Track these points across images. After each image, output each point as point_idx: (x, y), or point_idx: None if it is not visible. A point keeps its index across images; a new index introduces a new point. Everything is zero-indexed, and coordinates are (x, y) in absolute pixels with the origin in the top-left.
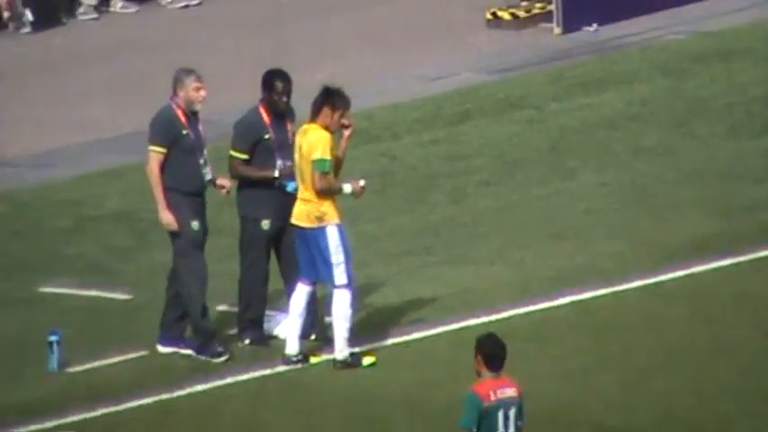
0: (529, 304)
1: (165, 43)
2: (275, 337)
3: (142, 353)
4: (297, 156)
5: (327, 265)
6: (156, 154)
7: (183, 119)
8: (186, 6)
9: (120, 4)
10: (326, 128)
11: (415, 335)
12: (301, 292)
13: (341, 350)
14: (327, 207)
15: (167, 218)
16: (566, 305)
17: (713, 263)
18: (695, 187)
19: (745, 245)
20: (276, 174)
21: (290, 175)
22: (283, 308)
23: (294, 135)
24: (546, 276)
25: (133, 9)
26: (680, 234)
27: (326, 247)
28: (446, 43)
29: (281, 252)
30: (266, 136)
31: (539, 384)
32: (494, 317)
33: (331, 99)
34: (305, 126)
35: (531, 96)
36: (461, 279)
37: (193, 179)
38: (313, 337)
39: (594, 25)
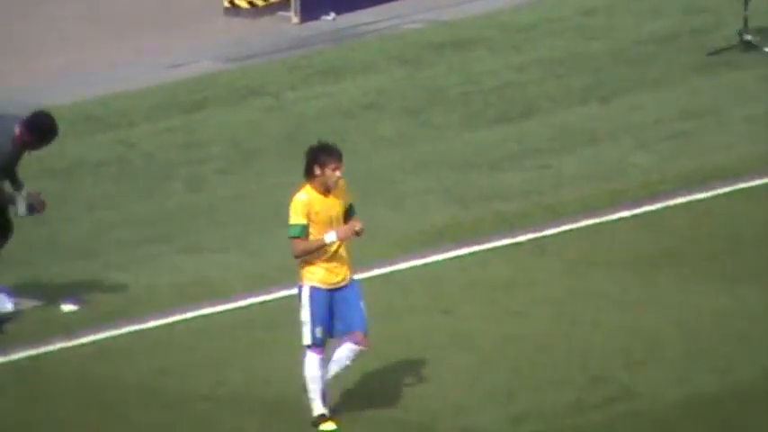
0: (266, 293)
1: None
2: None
3: None
4: None
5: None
6: None
7: None
8: None
9: None
10: (319, 188)
11: (152, 323)
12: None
13: (311, 409)
14: (305, 268)
15: None
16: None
17: (450, 252)
18: (432, 176)
19: (481, 234)
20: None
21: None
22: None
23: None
24: (283, 265)
25: None
26: (417, 223)
27: (299, 305)
28: (183, 30)
29: None
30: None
31: (276, 372)
32: (231, 305)
33: (316, 156)
34: None
35: (268, 85)
36: (199, 267)
37: None
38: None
39: (332, 14)
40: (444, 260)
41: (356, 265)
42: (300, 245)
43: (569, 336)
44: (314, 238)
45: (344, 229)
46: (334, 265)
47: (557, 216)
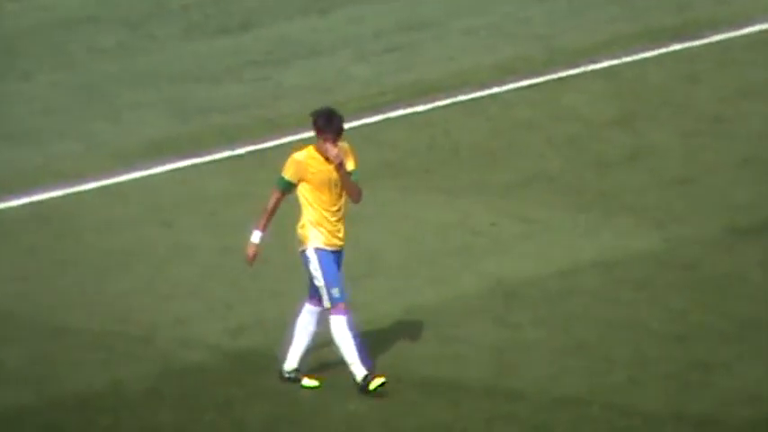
0: None
1: None
2: None
3: None
4: None
5: (316, 287)
6: None
7: None
8: None
9: None
10: (320, 153)
11: None
12: (304, 311)
13: (354, 374)
14: (307, 230)
15: None
16: (23, 206)
17: (169, 164)
18: (152, 89)
19: (201, 147)
20: None
21: None
22: None
23: None
24: (0, 178)
25: None
26: (136, 135)
27: (309, 271)
28: None
29: None
30: None
31: None
32: None
33: (316, 120)
34: None
35: None
36: None
37: None
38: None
39: None
40: (163, 173)
41: (73, 178)
42: (270, 201)
43: (289, 249)
44: (267, 218)
45: (251, 249)
46: (338, 228)
47: (276, 128)
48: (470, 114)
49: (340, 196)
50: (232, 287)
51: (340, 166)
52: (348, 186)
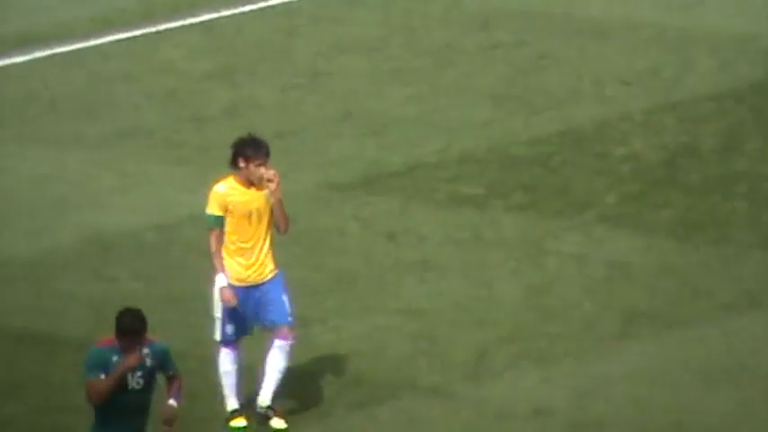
0: None
1: None
2: None
3: None
4: None
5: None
6: None
7: None
8: None
9: None
10: (242, 180)
11: None
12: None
13: (225, 405)
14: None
15: None
16: None
17: None
18: None
19: None
20: None
21: None
22: None
23: None
24: None
25: None
26: None
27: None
28: None
29: None
30: None
31: None
32: None
33: (242, 148)
34: None
35: None
36: None
37: None
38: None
39: None
40: None
41: None
42: (212, 244)
43: None
44: (220, 260)
45: (226, 293)
46: (250, 262)
47: None
48: (68, 66)
49: (260, 227)
50: None
51: (277, 191)
52: (281, 214)
